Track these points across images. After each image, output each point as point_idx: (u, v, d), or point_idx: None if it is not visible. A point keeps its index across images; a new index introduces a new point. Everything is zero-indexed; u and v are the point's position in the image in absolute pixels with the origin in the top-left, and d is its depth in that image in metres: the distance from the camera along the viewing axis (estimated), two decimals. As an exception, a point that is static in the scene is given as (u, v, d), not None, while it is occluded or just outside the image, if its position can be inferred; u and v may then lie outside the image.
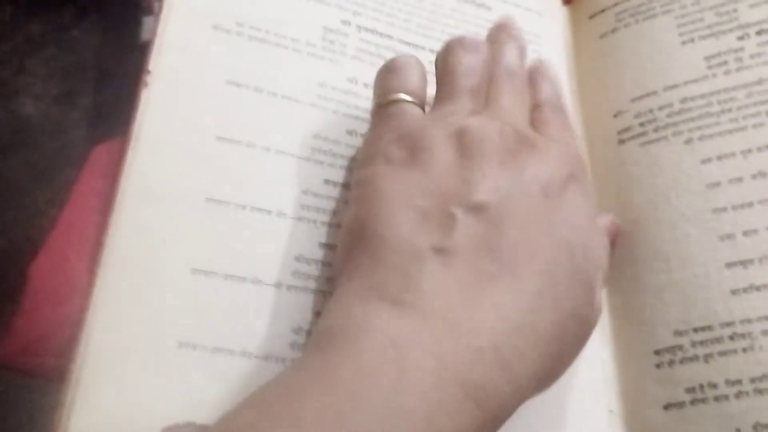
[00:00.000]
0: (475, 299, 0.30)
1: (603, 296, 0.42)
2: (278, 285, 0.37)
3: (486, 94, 0.38)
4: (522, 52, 0.41)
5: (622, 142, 0.46)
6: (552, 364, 0.32)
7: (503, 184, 0.33)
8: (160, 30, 0.41)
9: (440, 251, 0.31)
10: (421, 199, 0.33)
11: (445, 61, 0.39)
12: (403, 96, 0.38)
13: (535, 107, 0.40)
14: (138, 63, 0.41)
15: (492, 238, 0.32)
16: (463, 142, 0.34)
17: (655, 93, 0.47)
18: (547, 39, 0.51)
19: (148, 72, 0.40)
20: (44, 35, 0.45)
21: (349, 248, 0.34)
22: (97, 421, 0.32)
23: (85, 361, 0.33)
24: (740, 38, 0.46)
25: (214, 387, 0.34)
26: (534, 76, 0.41)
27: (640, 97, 0.47)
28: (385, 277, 0.31)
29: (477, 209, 0.32)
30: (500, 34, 0.41)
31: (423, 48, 0.47)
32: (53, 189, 0.39)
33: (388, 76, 0.39)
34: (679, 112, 0.45)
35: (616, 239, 0.42)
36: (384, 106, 0.38)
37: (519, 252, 0.32)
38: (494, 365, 0.29)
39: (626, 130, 0.47)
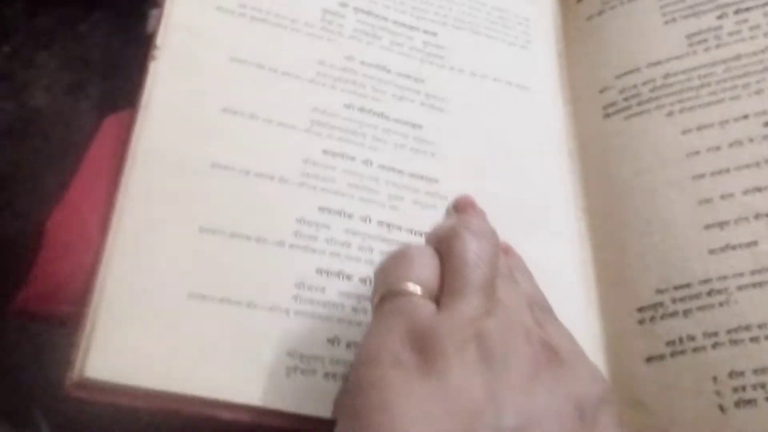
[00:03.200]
0: None
1: (589, 259, 0.45)
2: (281, 243, 0.39)
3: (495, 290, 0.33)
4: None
5: (607, 116, 0.49)
6: None
7: (535, 403, 0.28)
8: (166, 10, 0.44)
9: None
10: (443, 419, 0.27)
11: (451, 247, 0.33)
12: (413, 287, 0.32)
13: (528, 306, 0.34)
14: (145, 55, 0.43)
15: None
16: (484, 349, 0.29)
17: (638, 70, 0.49)
18: (536, 22, 0.53)
19: (156, 47, 0.42)
20: (54, 29, 0.48)
21: None
22: (111, 363, 0.34)
23: (99, 308, 0.35)
24: (719, 17, 0.49)
25: (222, 334, 0.36)
26: (513, 271, 0.37)
27: (625, 74, 0.49)
28: None
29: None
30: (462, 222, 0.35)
31: (417, 29, 0.50)
32: (64, 175, 0.40)
33: (396, 263, 0.33)
34: (662, 87, 0.48)
35: None
36: (391, 296, 0.32)
37: None
38: None
39: (611, 104, 0.49)
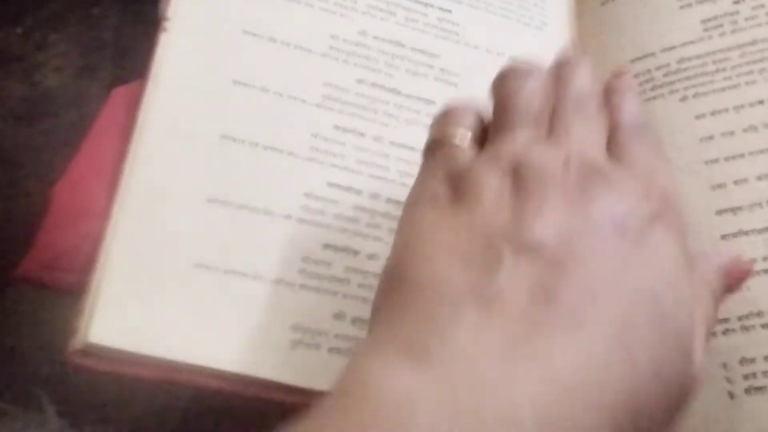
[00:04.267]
0: (517, 350, 0.24)
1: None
2: (288, 217, 0.39)
3: (551, 123, 0.32)
4: (592, 73, 0.35)
5: (621, 100, 0.48)
6: None
7: (565, 220, 0.27)
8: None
9: (480, 296, 0.26)
10: (464, 241, 0.27)
11: (499, 90, 0.34)
12: (455, 133, 0.33)
13: (614, 131, 0.33)
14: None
15: (547, 281, 0.26)
16: (519, 176, 0.29)
17: (653, 54, 0.49)
18: (551, 4, 0.52)
19: (167, 18, 0.42)
20: (66, 11, 0.47)
21: (382, 295, 0.29)
22: (116, 330, 0.34)
23: (105, 275, 0.35)
24: (735, 2, 0.48)
25: (226, 305, 0.36)
26: (611, 97, 0.34)
27: (639, 58, 0.49)
28: (413, 328, 0.25)
29: (529, 249, 0.26)
30: (565, 59, 0.36)
31: (431, 5, 0.49)
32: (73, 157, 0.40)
33: (442, 117, 0.34)
34: (676, 72, 0.47)
35: (739, 281, 0.35)
36: (435, 145, 0.33)
37: (583, 298, 0.26)
38: None
39: (625, 89, 0.48)
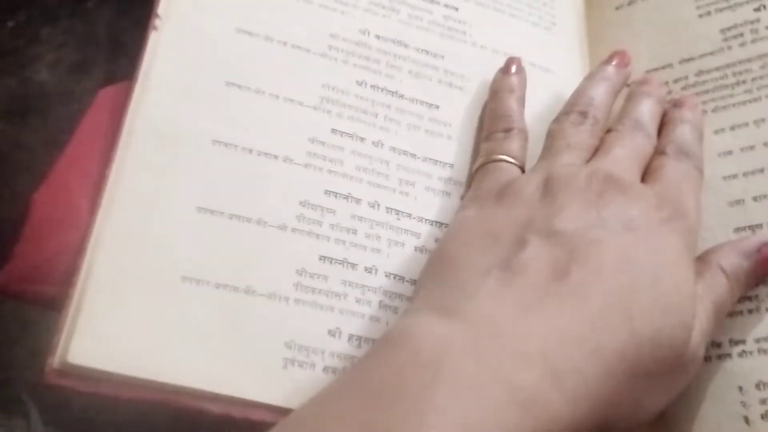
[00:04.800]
0: (530, 310, 0.30)
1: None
2: (282, 227, 0.37)
3: (600, 145, 0.39)
4: (660, 102, 0.42)
5: (635, 112, 0.46)
6: (622, 389, 0.30)
7: (582, 216, 0.34)
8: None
9: (505, 268, 0.31)
10: (498, 229, 0.34)
11: (550, 129, 0.41)
12: (504, 156, 0.40)
13: (656, 154, 0.40)
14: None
15: (561, 259, 0.32)
16: (550, 184, 0.35)
17: (670, 66, 0.47)
18: (560, 4, 0.51)
19: (158, 16, 0.40)
20: (60, 6, 0.46)
21: (425, 273, 0.36)
22: (96, 349, 0.32)
23: (87, 288, 0.33)
24: (757, 9, 0.46)
25: (216, 322, 0.34)
26: (668, 124, 0.41)
27: (656, 69, 0.47)
28: (447, 292, 0.32)
29: (550, 235, 0.33)
30: (645, 79, 0.44)
31: (437, 3, 0.47)
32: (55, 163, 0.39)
33: (490, 143, 0.41)
34: (694, 85, 0.45)
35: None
36: (486, 164, 0.40)
37: (590, 276, 0.31)
38: (542, 372, 0.28)
39: (640, 101, 0.47)
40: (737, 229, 0.40)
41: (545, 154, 0.39)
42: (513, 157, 0.40)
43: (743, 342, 0.38)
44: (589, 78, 0.43)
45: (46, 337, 0.33)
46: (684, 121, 0.41)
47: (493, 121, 0.42)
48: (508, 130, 0.41)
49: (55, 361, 0.32)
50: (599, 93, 0.41)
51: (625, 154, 0.38)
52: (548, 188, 0.35)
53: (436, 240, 0.39)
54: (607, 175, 0.36)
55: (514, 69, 0.44)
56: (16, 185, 0.40)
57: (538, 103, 0.45)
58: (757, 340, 0.37)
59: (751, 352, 0.37)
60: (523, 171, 0.39)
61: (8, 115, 0.42)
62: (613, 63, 0.44)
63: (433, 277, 0.34)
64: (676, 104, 0.42)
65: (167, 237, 0.35)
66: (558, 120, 0.41)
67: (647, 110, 0.41)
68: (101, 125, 0.38)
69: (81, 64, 0.44)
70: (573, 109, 0.41)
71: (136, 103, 0.38)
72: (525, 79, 0.44)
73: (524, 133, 0.41)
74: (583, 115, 0.40)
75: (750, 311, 0.38)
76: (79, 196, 0.36)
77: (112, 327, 0.32)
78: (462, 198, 0.40)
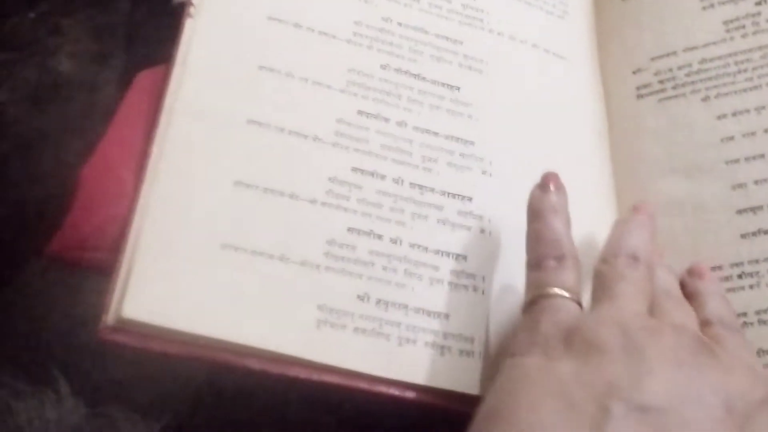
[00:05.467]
0: None
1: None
2: (313, 201, 0.39)
3: (651, 306, 0.35)
4: (671, 272, 0.39)
5: (640, 96, 0.49)
6: None
7: (678, 386, 0.29)
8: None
9: None
10: (572, 388, 0.29)
11: (602, 270, 0.36)
12: (559, 291, 0.34)
13: (705, 324, 0.36)
14: (169, 27, 0.42)
15: None
16: (629, 335, 0.30)
17: (674, 53, 0.49)
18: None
19: (192, 5, 0.42)
20: None
21: None
22: (147, 307, 0.34)
23: (136, 254, 0.35)
24: (758, 3, 0.48)
25: (253, 285, 0.36)
26: (697, 291, 0.38)
27: (660, 57, 0.49)
28: None
29: (641, 410, 0.28)
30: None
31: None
32: (85, 143, 0.40)
33: (541, 272, 0.36)
34: (698, 72, 0.48)
35: None
36: (540, 298, 0.35)
37: None
38: None
39: (645, 86, 0.49)
40: (739, 211, 0.43)
41: (601, 296, 0.34)
42: (568, 291, 0.34)
43: (745, 315, 0.40)
44: (624, 223, 0.39)
45: (77, 316, 0.36)
46: (716, 293, 0.38)
47: (540, 246, 0.37)
48: (559, 258, 0.36)
49: (109, 318, 0.34)
50: (643, 239, 0.37)
51: (684, 315, 0.35)
52: (630, 340, 0.30)
53: (459, 213, 0.40)
54: (693, 333, 0.31)
55: (553, 187, 0.38)
56: (42, 171, 0.41)
57: (552, 89, 0.48)
58: (758, 312, 0.40)
59: (752, 323, 0.40)
60: (581, 306, 0.35)
61: (32, 104, 0.44)
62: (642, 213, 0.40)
63: None
64: (695, 273, 0.40)
65: (207, 208, 0.37)
66: (607, 261, 0.36)
67: (668, 277, 0.38)
68: (141, 106, 0.40)
69: (101, 55, 0.46)
70: (620, 252, 0.36)
71: (175, 86, 0.40)
72: (566, 197, 0.38)
73: (578, 261, 0.36)
74: (635, 259, 0.36)
75: (751, 287, 0.41)
76: (124, 171, 0.38)
77: (161, 288, 0.35)
78: (514, 338, 0.34)
